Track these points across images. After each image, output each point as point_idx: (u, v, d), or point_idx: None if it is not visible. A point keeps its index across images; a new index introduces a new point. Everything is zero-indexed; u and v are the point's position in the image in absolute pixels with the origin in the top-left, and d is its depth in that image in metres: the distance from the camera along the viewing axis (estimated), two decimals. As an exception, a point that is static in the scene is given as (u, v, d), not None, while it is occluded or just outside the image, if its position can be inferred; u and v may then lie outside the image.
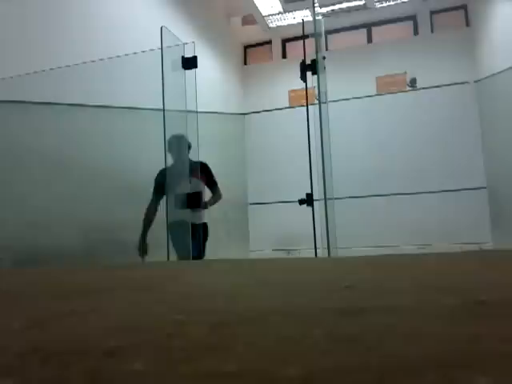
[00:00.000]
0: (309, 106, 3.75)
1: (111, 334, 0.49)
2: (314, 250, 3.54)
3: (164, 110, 3.29)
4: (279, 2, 6.48)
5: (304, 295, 0.70)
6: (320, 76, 3.51)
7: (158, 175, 3.42)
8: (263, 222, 6.52)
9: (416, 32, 6.90)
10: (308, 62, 3.55)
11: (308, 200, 3.53)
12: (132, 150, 3.86)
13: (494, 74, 5.39)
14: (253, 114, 6.96)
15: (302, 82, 3.61)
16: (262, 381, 0.32)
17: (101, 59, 3.53)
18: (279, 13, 6.78)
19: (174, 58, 3.36)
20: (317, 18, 3.79)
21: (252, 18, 6.98)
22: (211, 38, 6.08)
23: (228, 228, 5.88)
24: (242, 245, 6.54)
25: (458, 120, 5.92)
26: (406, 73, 6.56)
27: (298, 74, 3.56)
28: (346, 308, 0.55)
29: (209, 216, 3.72)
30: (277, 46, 7.45)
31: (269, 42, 7.52)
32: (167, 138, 3.30)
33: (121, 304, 0.71)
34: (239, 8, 6.88)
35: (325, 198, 3.39)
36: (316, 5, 3.86)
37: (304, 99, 3.76)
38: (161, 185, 3.33)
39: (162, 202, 3.36)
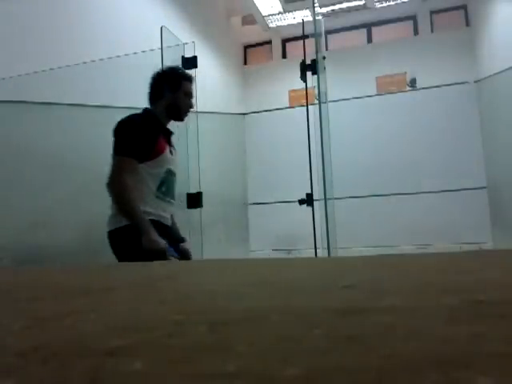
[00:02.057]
0: (309, 106, 3.76)
1: (111, 333, 0.49)
2: (314, 250, 3.54)
3: (164, 110, 3.28)
4: (279, 2, 6.48)
5: (304, 295, 0.70)
6: (320, 76, 3.52)
7: (133, 124, 2.24)
8: (263, 222, 6.53)
9: (416, 32, 6.90)
10: (308, 61, 3.55)
11: (308, 200, 3.53)
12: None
13: (494, 74, 5.39)
14: (253, 114, 6.96)
15: (302, 81, 3.62)
16: (261, 381, 0.32)
17: (101, 59, 3.53)
18: (279, 13, 6.78)
19: (173, 58, 3.36)
20: (317, 18, 3.80)
21: (252, 17, 6.98)
22: (211, 38, 6.08)
23: (228, 228, 5.88)
24: (242, 245, 6.54)
25: (458, 120, 5.93)
26: (405, 73, 6.56)
27: (298, 73, 3.57)
28: (345, 308, 0.55)
29: (208, 215, 3.72)
30: (277, 46, 7.45)
31: (269, 42, 7.52)
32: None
33: (121, 304, 0.71)
34: (239, 8, 6.88)
35: (325, 198, 3.39)
36: (316, 5, 3.87)
37: (304, 99, 3.76)
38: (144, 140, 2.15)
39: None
